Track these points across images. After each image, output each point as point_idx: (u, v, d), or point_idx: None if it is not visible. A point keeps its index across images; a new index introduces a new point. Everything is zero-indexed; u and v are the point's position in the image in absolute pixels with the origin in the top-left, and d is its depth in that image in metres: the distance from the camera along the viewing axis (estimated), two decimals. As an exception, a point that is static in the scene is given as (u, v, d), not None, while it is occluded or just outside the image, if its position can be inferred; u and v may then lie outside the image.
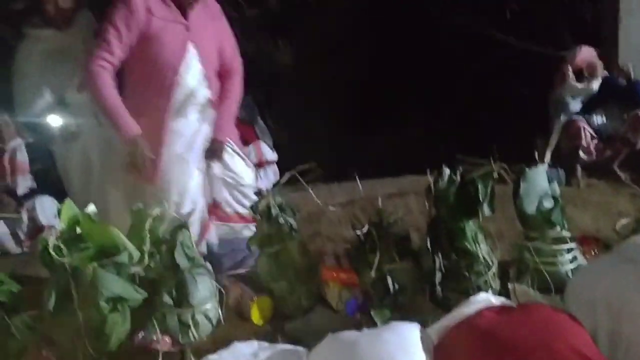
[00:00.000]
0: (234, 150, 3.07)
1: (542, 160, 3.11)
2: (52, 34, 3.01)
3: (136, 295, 2.22)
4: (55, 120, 3.06)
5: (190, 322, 2.31)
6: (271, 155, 4.49)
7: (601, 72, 4.16)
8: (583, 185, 4.01)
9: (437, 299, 2.52)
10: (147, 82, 2.78)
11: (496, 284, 2.55)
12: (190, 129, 2.89)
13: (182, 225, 2.43)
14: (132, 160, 2.70)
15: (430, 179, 2.60)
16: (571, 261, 2.60)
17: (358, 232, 2.64)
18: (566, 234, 2.65)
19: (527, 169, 2.65)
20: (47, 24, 3.01)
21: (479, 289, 2.46)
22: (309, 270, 2.68)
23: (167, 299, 2.31)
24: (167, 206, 2.47)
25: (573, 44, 5.45)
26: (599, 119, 4.11)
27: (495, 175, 2.54)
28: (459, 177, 2.62)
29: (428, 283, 2.57)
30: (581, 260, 2.64)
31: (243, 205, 3.08)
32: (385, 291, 2.53)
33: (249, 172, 3.15)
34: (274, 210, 2.64)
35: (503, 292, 2.56)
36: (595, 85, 4.10)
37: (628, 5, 4.44)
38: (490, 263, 2.55)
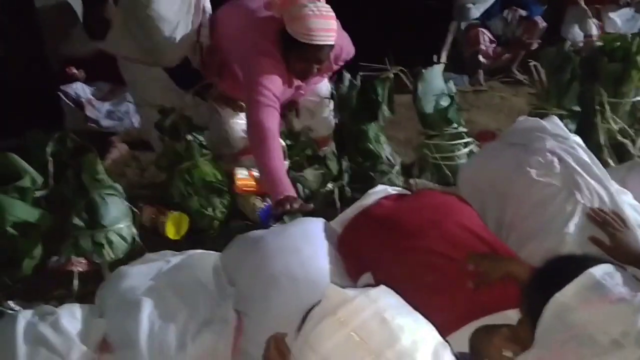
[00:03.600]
0: None
1: (438, 61, 3.21)
2: None
3: (44, 218, 2.21)
4: None
5: (105, 242, 2.34)
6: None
7: None
8: (485, 88, 4.19)
9: (346, 199, 2.64)
10: None
11: (400, 181, 2.70)
12: None
13: (86, 147, 2.41)
14: None
15: (331, 84, 2.67)
16: (468, 155, 2.77)
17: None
18: (463, 130, 2.81)
19: (423, 70, 2.75)
20: None
21: (383, 187, 2.60)
22: (222, 185, 2.74)
23: (77, 221, 2.32)
24: None
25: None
26: (497, 24, 4.25)
27: (392, 76, 2.63)
28: (359, 82, 2.70)
29: (337, 186, 2.69)
30: (478, 153, 2.81)
31: None
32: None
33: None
34: (182, 128, 2.66)
35: (407, 188, 2.72)
36: None
37: None
38: (394, 162, 2.69)
